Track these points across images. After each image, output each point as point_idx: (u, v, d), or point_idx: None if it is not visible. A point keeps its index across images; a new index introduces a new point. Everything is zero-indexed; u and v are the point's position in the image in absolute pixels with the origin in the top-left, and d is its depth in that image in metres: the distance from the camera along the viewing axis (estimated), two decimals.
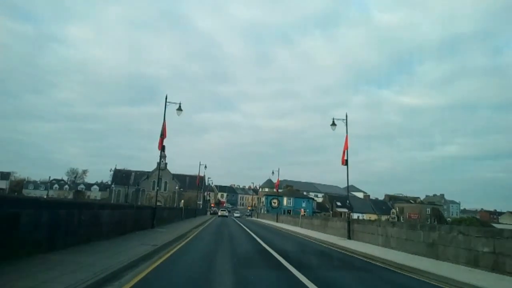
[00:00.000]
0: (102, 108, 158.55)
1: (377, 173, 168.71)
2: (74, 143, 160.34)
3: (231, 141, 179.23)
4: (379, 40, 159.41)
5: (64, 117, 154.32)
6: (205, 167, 73.39)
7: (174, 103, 20.58)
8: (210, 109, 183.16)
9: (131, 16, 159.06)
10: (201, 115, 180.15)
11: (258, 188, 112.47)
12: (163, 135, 19.82)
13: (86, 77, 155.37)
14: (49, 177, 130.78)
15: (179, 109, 20.94)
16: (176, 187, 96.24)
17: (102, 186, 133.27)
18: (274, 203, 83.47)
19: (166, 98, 19.97)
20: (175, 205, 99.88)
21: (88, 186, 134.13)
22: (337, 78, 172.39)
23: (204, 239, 17.20)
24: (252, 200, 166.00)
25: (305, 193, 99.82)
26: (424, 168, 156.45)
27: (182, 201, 70.16)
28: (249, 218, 73.78)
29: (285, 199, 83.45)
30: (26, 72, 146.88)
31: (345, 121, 19.91)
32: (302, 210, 66.50)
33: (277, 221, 46.20)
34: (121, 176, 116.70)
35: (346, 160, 19.14)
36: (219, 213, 73.36)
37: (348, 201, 56.23)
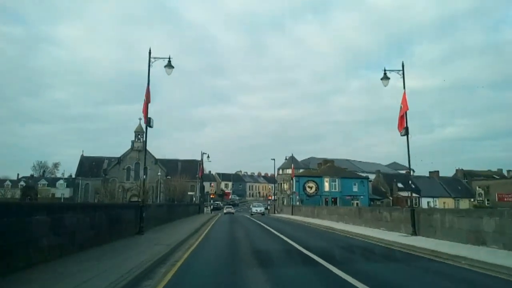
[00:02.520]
0: (98, 107, 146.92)
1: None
2: (72, 143, 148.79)
3: (230, 133, 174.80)
4: (373, 23, 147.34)
5: (60, 118, 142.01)
6: (208, 156, 46.18)
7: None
8: (207, 103, 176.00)
9: (122, 11, 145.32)
10: (198, 109, 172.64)
11: (275, 172, 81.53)
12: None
13: (80, 77, 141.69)
14: (17, 174, 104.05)
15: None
16: (158, 173, 65.44)
17: (72, 181, 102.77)
18: (310, 188, 52.77)
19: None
20: (158, 200, 69.45)
21: (53, 181, 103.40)
22: (334, 64, 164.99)
23: None
24: (265, 189, 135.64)
25: None
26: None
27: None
28: (274, 215, 42.74)
29: (326, 181, 52.81)
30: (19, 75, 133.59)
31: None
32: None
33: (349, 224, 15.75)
34: (89, 165, 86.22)
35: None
36: (225, 210, 52.97)
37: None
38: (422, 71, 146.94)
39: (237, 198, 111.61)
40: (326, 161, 59.59)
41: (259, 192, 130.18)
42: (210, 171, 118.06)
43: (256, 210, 43.04)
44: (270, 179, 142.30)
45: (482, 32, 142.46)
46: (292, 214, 37.67)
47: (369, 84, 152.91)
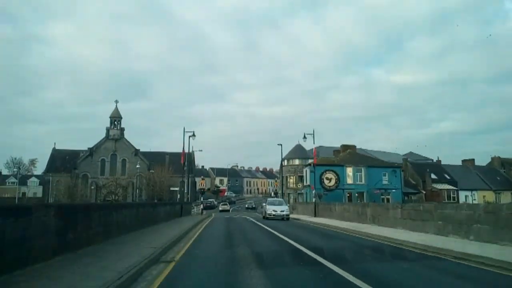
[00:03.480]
0: (93, 107, 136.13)
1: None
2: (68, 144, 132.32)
3: (226, 130, 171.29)
4: (367, 19, 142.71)
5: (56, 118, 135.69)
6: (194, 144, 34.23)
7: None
8: (202, 101, 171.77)
9: (113, 9, 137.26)
10: (194, 107, 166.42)
11: (281, 162, 69.66)
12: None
13: (73, 76, 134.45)
14: None
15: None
16: (137, 166, 53.23)
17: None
18: (329, 180, 41.06)
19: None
20: (140, 197, 57.24)
21: (23, 179, 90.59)
22: (328, 60, 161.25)
23: None
24: (264, 184, 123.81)
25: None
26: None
27: None
28: (299, 220, 30.24)
29: (349, 171, 41.10)
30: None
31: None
32: None
33: None
34: (62, 160, 73.48)
35: None
36: (220, 207, 52.10)
37: None
38: (415, 66, 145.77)
39: (234, 195, 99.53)
40: (345, 146, 47.64)
41: (257, 189, 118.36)
42: (203, 166, 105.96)
43: (276, 211, 24.65)
44: (269, 174, 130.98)
45: (475, 26, 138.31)
46: (315, 216, 25.95)
47: (362, 80, 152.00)
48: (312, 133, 28.20)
